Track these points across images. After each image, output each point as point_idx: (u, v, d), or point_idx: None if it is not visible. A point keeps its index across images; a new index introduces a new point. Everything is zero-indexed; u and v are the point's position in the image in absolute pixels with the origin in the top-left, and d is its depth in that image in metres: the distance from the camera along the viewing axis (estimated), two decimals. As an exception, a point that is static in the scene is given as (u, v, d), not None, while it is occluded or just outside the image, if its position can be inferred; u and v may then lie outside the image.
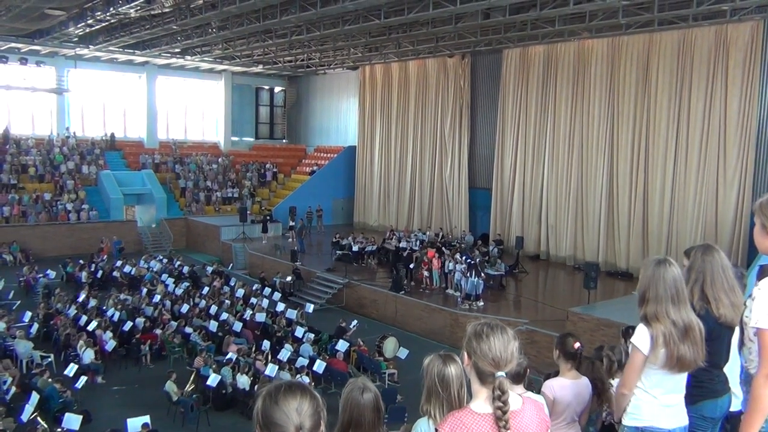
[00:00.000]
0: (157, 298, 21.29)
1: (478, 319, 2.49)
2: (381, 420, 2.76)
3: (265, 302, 21.26)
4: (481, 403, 2.37)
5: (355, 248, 25.98)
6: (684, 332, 3.12)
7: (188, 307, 20.54)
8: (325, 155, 39.26)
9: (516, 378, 3.74)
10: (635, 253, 23.94)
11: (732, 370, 3.57)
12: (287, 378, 14.55)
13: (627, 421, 3.36)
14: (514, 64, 28.10)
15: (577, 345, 4.25)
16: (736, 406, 3.52)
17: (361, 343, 17.54)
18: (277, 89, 44.04)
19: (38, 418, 12.45)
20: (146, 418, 12.17)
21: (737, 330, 3.43)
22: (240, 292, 22.35)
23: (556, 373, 4.58)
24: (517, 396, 2.45)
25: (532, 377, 4.20)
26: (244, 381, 14.70)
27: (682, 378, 3.27)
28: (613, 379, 4.81)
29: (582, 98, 25.49)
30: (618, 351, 5.18)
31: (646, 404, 3.29)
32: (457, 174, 31.20)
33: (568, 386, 4.16)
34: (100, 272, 25.32)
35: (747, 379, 3.19)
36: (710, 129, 21.88)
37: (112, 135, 37.03)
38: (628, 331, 6.27)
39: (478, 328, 2.41)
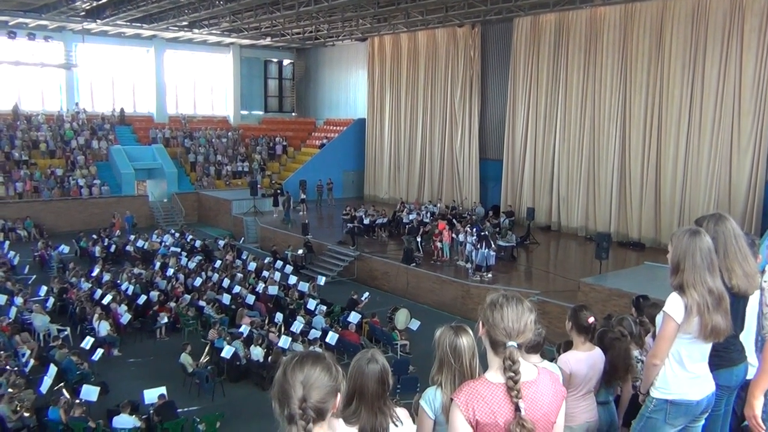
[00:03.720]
0: (171, 271, 21.45)
1: (498, 291, 2.52)
2: (385, 392, 2.77)
3: (277, 275, 21.37)
4: (495, 373, 2.39)
5: (366, 221, 26.02)
6: (718, 300, 3.13)
7: (201, 280, 20.70)
8: (334, 128, 39.12)
9: (533, 348, 3.75)
10: (647, 223, 23.82)
11: (748, 339, 3.56)
12: (299, 349, 14.69)
13: (655, 393, 3.36)
14: (524, 33, 27.71)
15: (591, 319, 4.23)
16: (752, 374, 3.52)
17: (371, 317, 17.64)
18: (285, 62, 43.75)
19: (63, 390, 12.68)
20: (162, 389, 12.35)
21: (758, 298, 3.41)
22: (252, 266, 22.46)
23: (568, 344, 4.58)
24: (532, 366, 2.46)
25: (544, 347, 4.19)
26: (258, 353, 14.86)
27: (709, 347, 3.27)
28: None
29: (594, 67, 25.15)
30: (627, 323, 5.16)
31: (674, 376, 3.29)
32: (468, 145, 31.03)
33: (584, 359, 4.16)
34: (114, 247, 25.52)
35: (762, 346, 3.19)
36: (724, 96, 21.55)
37: (122, 110, 37.01)
38: (639, 301, 6.25)
39: (494, 299, 2.44)
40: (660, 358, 3.29)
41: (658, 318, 3.34)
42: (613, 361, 4.37)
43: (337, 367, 2.11)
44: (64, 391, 12.64)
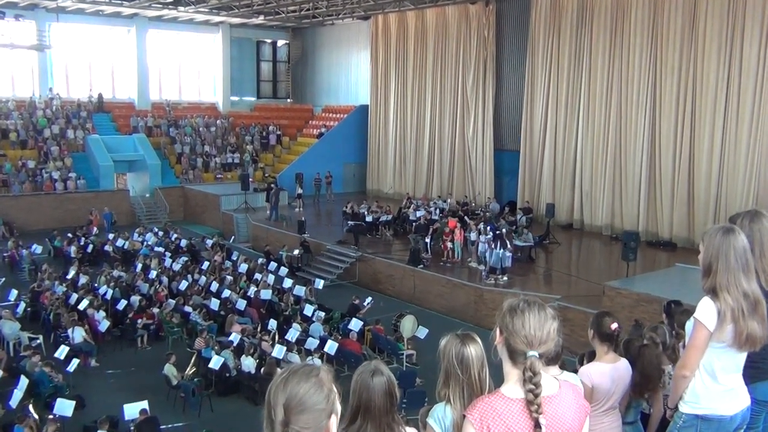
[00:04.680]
0: (153, 274, 21.48)
1: (516, 295, 2.51)
2: (393, 406, 2.78)
3: (271, 278, 21.36)
4: (513, 386, 2.38)
5: (368, 218, 26.03)
6: (754, 305, 3.12)
7: (187, 283, 20.73)
8: (334, 116, 39.14)
9: (552, 359, 3.73)
10: (679, 221, 23.76)
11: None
12: (295, 360, 14.72)
13: (685, 408, 3.35)
14: (544, 10, 27.67)
15: (614, 326, 4.21)
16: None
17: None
18: (280, 43, 43.75)
19: (30, 407, 12.67)
20: (144, 404, 12.35)
21: None
22: (243, 267, 22.48)
23: (591, 354, 4.56)
24: (553, 379, 2.45)
25: (564, 358, 4.18)
26: (249, 363, 14.86)
27: (744, 357, 3.26)
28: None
29: (621, 48, 25.07)
30: (661, 332, 5.13)
31: (705, 389, 3.28)
32: (481, 135, 30.99)
33: (607, 372, 4.13)
34: (91, 246, 25.58)
35: None
36: (765, 80, 21.45)
37: (100, 96, 37.05)
38: (670, 307, 6.22)
39: (514, 304, 2.43)
40: (690, 369, 3.28)
41: (688, 325, 3.33)
42: (645, 370, 4.35)
43: (332, 384, 2.07)
44: (31, 408, 12.62)
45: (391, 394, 2.76)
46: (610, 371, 4.14)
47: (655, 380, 4.44)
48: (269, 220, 28.93)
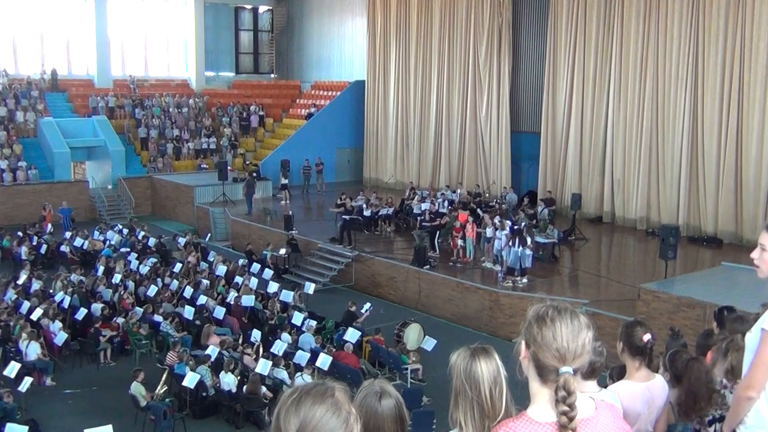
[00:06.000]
0: (117, 278, 21.48)
1: (542, 301, 2.45)
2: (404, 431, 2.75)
3: (254, 282, 21.41)
4: (542, 407, 2.34)
5: (366, 212, 26.02)
6: None
7: (156, 289, 20.71)
8: (325, 93, 39.15)
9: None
10: (725, 214, 23.73)
11: None
12: (282, 377, 14.73)
13: None
14: (568, -31, 27.66)
15: (646, 337, 4.17)
16: None
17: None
18: (261, 9, 43.69)
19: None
20: (108, 428, 12.32)
21: None
22: (221, 270, 22.50)
23: (621, 369, 4.52)
24: (589, 399, 2.41)
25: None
26: (229, 381, 14.85)
27: None
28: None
29: (657, 12, 25.02)
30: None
31: None
32: (496, 115, 30.97)
33: (639, 392, 4.08)
34: (45, 247, 25.58)
35: None
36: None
37: (54, 72, 37.04)
38: (723, 314, 6.17)
39: (541, 312, 2.38)
40: (756, 390, 3.25)
41: (751, 337, 3.28)
42: (692, 388, 4.31)
43: (350, 406, 2.08)
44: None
45: (401, 419, 2.73)
46: (641, 391, 4.09)
47: (704, 399, 4.40)
48: (249, 215, 28.96)
